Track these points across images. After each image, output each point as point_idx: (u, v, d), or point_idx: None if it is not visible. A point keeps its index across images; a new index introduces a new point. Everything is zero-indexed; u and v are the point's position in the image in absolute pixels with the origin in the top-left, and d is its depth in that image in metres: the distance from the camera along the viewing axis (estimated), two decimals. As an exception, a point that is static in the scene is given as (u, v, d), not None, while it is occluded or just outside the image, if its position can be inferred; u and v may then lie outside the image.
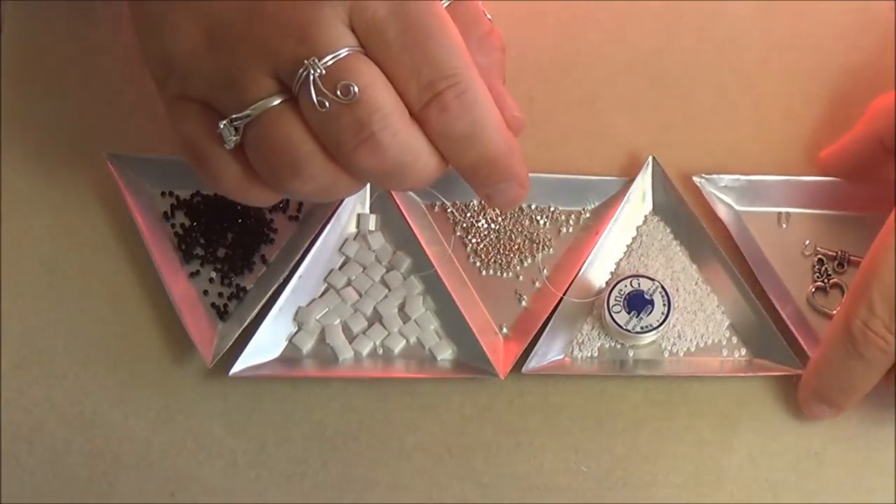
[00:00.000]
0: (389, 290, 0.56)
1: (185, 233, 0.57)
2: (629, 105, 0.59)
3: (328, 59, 0.43)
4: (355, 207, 0.57)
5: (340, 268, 0.57)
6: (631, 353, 0.55)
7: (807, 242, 0.56)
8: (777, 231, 0.56)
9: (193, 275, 0.57)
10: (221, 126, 0.45)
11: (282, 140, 0.44)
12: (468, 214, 0.58)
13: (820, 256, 0.55)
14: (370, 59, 0.44)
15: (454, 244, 0.57)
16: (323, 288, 0.57)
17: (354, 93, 0.43)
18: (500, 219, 0.57)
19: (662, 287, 0.54)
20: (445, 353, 0.55)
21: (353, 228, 0.57)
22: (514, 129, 0.48)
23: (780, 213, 0.57)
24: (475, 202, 0.58)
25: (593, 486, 0.53)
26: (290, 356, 0.56)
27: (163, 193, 0.58)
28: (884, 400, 0.53)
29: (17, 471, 0.54)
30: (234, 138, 0.45)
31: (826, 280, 0.55)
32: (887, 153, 0.54)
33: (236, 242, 0.57)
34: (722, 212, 0.56)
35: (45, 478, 0.54)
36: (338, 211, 0.56)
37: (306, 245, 0.56)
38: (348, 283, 0.57)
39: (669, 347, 0.55)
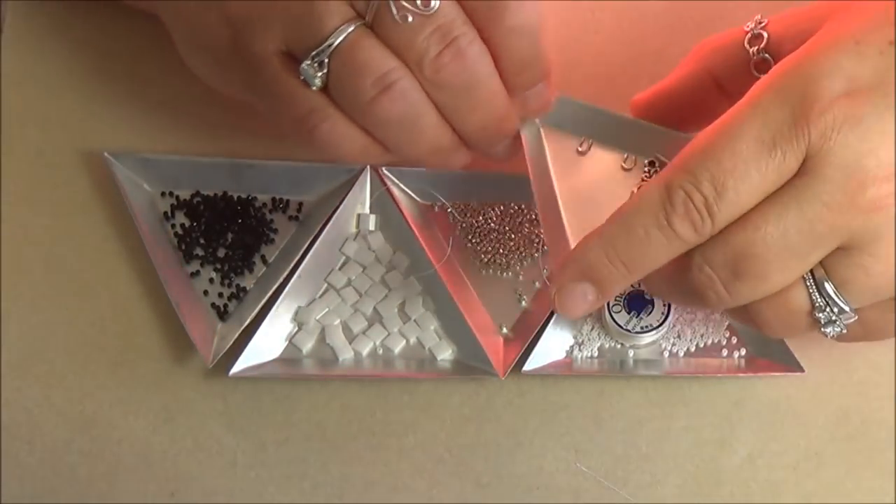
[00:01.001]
0: (389, 290, 0.56)
1: (185, 233, 0.57)
2: (629, 105, 0.59)
3: None
4: (355, 207, 0.57)
5: (340, 268, 0.57)
6: (631, 353, 0.55)
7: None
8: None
9: (193, 275, 0.57)
10: (304, 66, 0.45)
11: (367, 59, 0.45)
12: (468, 214, 0.57)
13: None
14: None
15: (454, 244, 0.57)
16: (323, 288, 0.57)
17: (435, 4, 0.44)
18: (499, 219, 0.57)
19: (662, 287, 0.54)
20: (445, 353, 0.55)
21: (353, 228, 0.57)
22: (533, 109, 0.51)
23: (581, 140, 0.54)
24: (475, 202, 0.58)
25: (593, 486, 0.53)
26: (290, 356, 0.56)
27: (163, 193, 0.58)
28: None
29: (17, 471, 0.54)
30: (320, 74, 0.45)
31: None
32: (721, 92, 0.51)
33: (236, 242, 0.57)
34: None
35: (45, 478, 0.54)
36: (338, 211, 0.56)
37: (306, 245, 0.56)
38: (348, 283, 0.57)
39: (669, 347, 0.55)
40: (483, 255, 0.57)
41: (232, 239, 0.57)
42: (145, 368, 0.56)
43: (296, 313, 0.56)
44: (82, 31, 0.61)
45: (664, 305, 0.54)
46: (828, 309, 0.44)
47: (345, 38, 0.45)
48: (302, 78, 0.46)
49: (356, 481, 0.54)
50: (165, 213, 0.58)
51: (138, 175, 0.58)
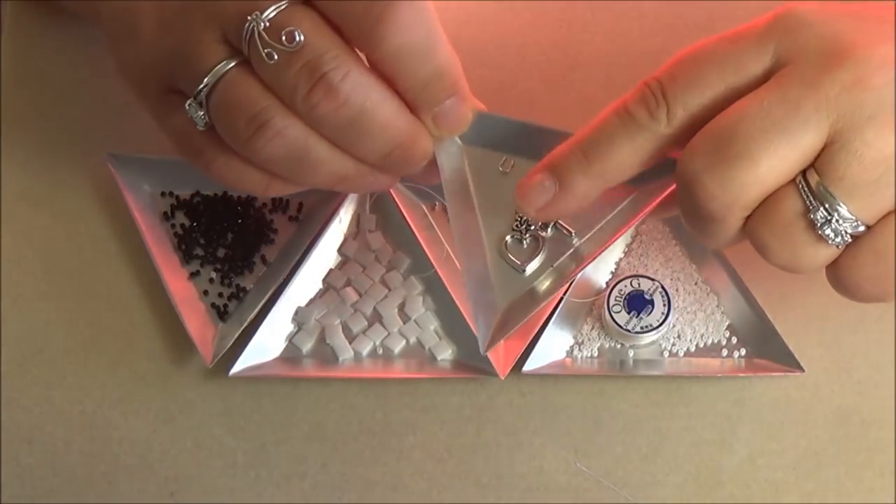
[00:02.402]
0: (389, 290, 0.56)
1: (185, 233, 0.57)
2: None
3: (270, 12, 0.43)
4: (355, 208, 0.57)
5: (340, 268, 0.57)
6: (631, 353, 0.55)
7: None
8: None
9: (193, 275, 0.57)
10: (188, 106, 0.45)
11: (240, 99, 0.44)
12: (468, 214, 0.57)
13: None
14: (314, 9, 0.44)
15: (454, 244, 0.57)
16: (322, 288, 0.57)
17: (300, 39, 0.43)
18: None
19: (662, 287, 0.54)
20: (445, 353, 0.55)
21: (353, 228, 0.57)
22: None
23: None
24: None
25: (593, 486, 0.53)
26: (290, 356, 0.56)
27: (163, 193, 0.58)
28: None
29: (17, 471, 0.54)
30: (202, 114, 0.45)
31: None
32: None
33: (236, 242, 0.57)
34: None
35: (45, 478, 0.54)
36: (338, 211, 0.56)
37: (306, 245, 0.56)
38: (348, 283, 0.57)
39: (669, 347, 0.55)
40: (483, 255, 0.57)
41: (232, 239, 0.57)
42: (145, 368, 0.56)
43: (296, 313, 0.56)
44: (82, 31, 0.61)
45: (664, 305, 0.54)
46: (822, 208, 0.41)
47: (220, 77, 0.44)
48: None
49: (356, 481, 0.54)
50: (165, 213, 0.58)
51: (138, 175, 0.58)
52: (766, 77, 0.42)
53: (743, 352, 0.55)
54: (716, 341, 0.55)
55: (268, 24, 0.43)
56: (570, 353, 0.55)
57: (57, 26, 0.61)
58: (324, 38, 0.43)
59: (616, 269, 0.57)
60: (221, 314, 0.56)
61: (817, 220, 0.42)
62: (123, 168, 0.57)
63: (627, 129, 0.44)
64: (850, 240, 0.42)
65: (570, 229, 0.49)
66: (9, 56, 0.61)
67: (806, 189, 0.42)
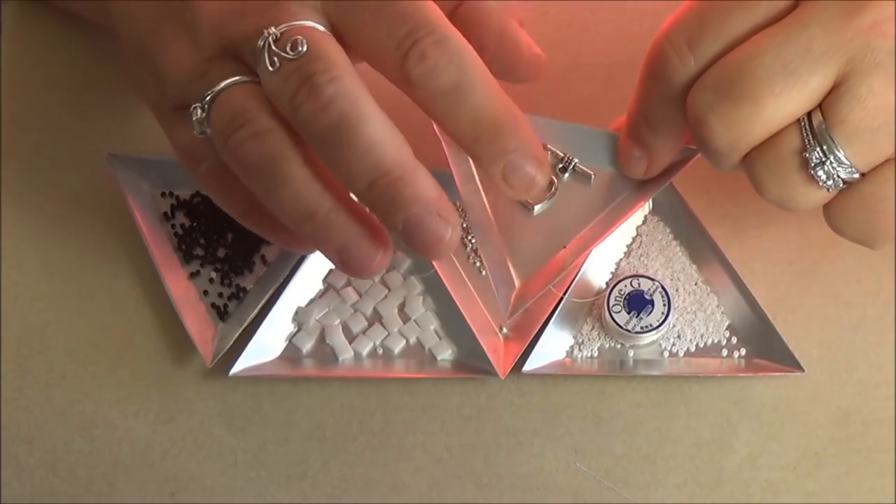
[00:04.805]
0: (389, 290, 0.56)
1: (185, 233, 0.57)
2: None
3: (284, 26, 0.43)
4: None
5: (340, 268, 0.57)
6: (631, 353, 0.55)
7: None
8: None
9: (193, 275, 0.57)
10: (191, 110, 0.45)
11: (235, 103, 0.44)
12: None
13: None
14: (345, 39, 0.44)
15: (454, 244, 0.57)
16: (323, 288, 0.57)
17: (303, 49, 0.42)
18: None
19: (662, 287, 0.54)
20: (445, 353, 0.55)
21: (353, 228, 0.57)
22: (535, 66, 0.47)
23: None
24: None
25: (593, 486, 0.53)
26: (290, 356, 0.56)
27: (163, 194, 0.58)
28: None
29: (17, 471, 0.54)
30: (202, 117, 0.45)
31: None
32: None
33: (236, 242, 0.57)
34: None
35: (45, 478, 0.54)
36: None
37: (306, 245, 0.56)
38: (348, 283, 0.57)
39: (669, 347, 0.55)
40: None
41: (232, 239, 0.57)
42: (145, 368, 0.56)
43: (296, 313, 0.56)
44: (82, 31, 0.61)
45: (664, 305, 0.54)
46: (818, 149, 0.41)
47: (226, 87, 0.44)
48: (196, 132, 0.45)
49: (356, 481, 0.54)
50: (165, 213, 0.58)
51: (138, 175, 0.58)
52: (790, 10, 0.42)
53: (743, 352, 0.55)
54: (716, 341, 0.55)
55: (279, 35, 0.43)
56: (570, 353, 0.55)
57: (57, 26, 0.61)
58: (326, 47, 0.43)
59: (616, 269, 0.57)
60: (221, 314, 0.56)
61: (812, 160, 0.42)
62: (123, 168, 0.57)
63: (670, 87, 0.43)
64: (842, 185, 0.43)
65: (590, 172, 0.48)
66: (9, 56, 0.61)
67: (808, 128, 0.42)
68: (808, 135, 0.42)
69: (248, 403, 0.55)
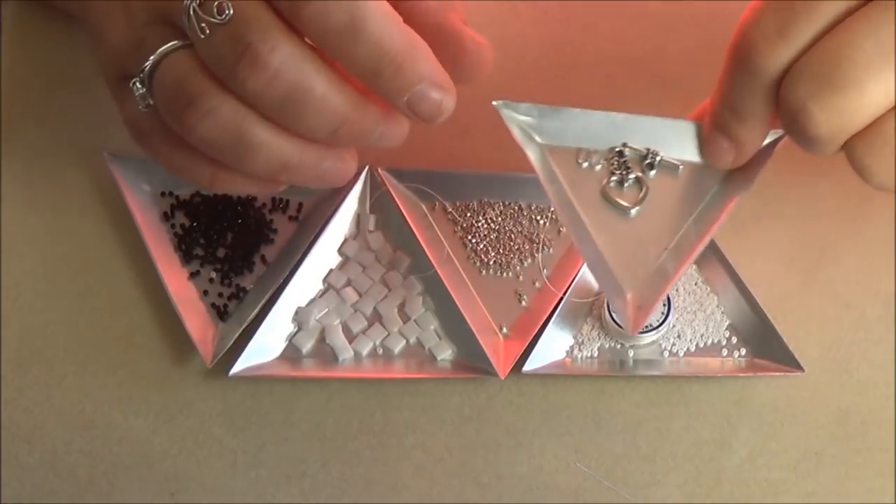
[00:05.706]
0: (389, 290, 0.56)
1: (185, 233, 0.57)
2: (629, 105, 0.59)
3: None
4: (355, 207, 0.57)
5: (340, 268, 0.57)
6: (631, 353, 0.55)
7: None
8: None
9: (193, 275, 0.57)
10: (132, 84, 0.45)
11: (176, 76, 0.44)
12: (468, 214, 0.58)
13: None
14: None
15: (454, 244, 0.57)
16: (322, 288, 0.57)
17: (229, 12, 0.42)
18: (499, 219, 0.57)
19: (662, 287, 0.54)
20: (445, 353, 0.55)
21: (352, 228, 0.57)
22: (480, 55, 0.46)
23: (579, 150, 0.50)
24: (475, 202, 0.58)
25: (593, 486, 0.53)
26: (290, 356, 0.56)
27: (163, 193, 0.58)
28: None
29: (17, 471, 0.54)
30: (144, 92, 0.45)
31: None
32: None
33: (236, 242, 0.57)
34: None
35: (45, 478, 0.54)
36: (338, 211, 0.56)
37: (306, 245, 0.56)
38: (348, 283, 0.57)
39: (669, 347, 0.55)
40: (483, 255, 0.57)
41: (232, 239, 0.57)
42: (145, 368, 0.56)
43: (296, 313, 0.56)
44: (82, 31, 0.61)
45: (664, 305, 0.54)
46: None
47: (163, 57, 0.44)
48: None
49: (356, 481, 0.54)
50: (165, 213, 0.58)
51: (138, 175, 0.58)
52: None
53: (743, 352, 0.55)
54: (716, 341, 0.55)
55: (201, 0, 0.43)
56: (570, 353, 0.55)
57: (57, 26, 0.61)
58: (252, 9, 0.42)
59: (616, 269, 0.57)
60: (221, 314, 0.56)
61: None
62: (123, 168, 0.57)
63: (759, 76, 0.42)
64: None
65: (677, 163, 0.48)
66: (9, 56, 0.61)
67: None
68: None
69: (248, 403, 0.55)
